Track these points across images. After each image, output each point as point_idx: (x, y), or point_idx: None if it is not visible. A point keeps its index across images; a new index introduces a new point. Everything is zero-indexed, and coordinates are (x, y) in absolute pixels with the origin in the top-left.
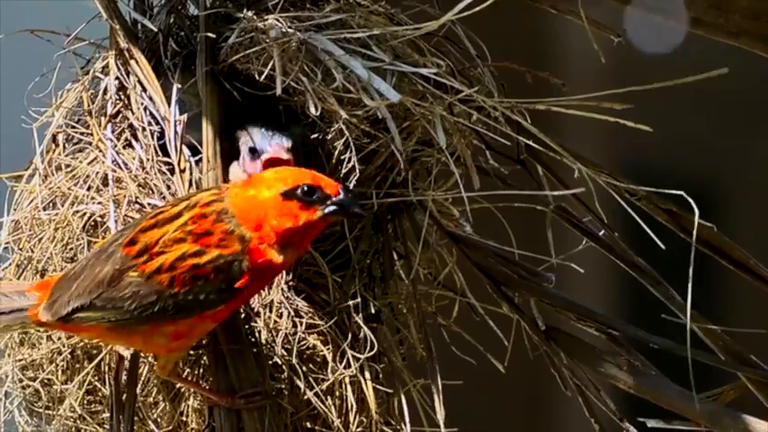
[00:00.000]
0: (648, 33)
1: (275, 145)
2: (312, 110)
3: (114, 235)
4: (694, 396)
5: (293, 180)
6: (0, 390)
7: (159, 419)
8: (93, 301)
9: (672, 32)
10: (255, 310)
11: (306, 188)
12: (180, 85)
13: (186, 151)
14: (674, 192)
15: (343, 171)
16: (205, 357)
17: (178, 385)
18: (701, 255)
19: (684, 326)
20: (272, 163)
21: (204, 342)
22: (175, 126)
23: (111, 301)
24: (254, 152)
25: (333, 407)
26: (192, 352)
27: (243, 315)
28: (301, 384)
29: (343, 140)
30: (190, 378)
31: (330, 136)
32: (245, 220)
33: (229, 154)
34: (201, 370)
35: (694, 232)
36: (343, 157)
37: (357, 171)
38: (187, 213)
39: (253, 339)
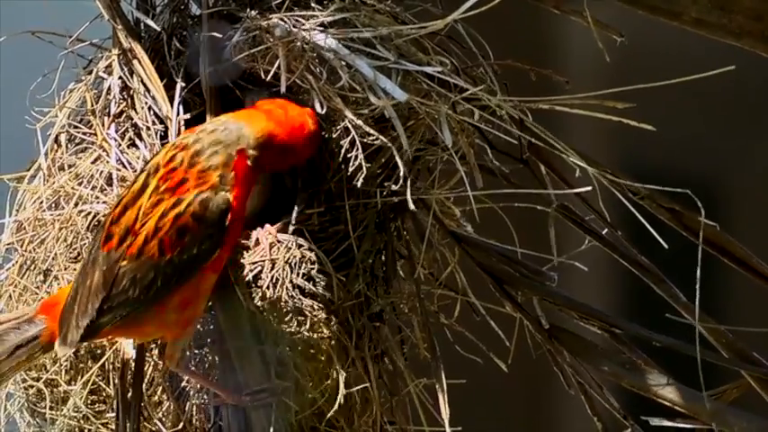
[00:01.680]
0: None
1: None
2: (318, 108)
3: (89, 247)
4: (703, 394)
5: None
6: (1, 391)
7: (164, 418)
8: (100, 309)
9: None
10: (260, 308)
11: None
12: (183, 84)
13: None
14: (678, 190)
15: (350, 170)
16: (210, 356)
17: (183, 384)
18: (704, 253)
19: (686, 324)
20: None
21: (209, 340)
22: (178, 125)
23: (116, 299)
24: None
25: (337, 406)
26: (196, 351)
27: (248, 314)
28: (305, 383)
29: (348, 139)
30: (196, 372)
31: (335, 135)
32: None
33: None
34: (207, 368)
35: (701, 233)
36: (348, 156)
37: (364, 170)
38: (153, 179)
39: (257, 338)
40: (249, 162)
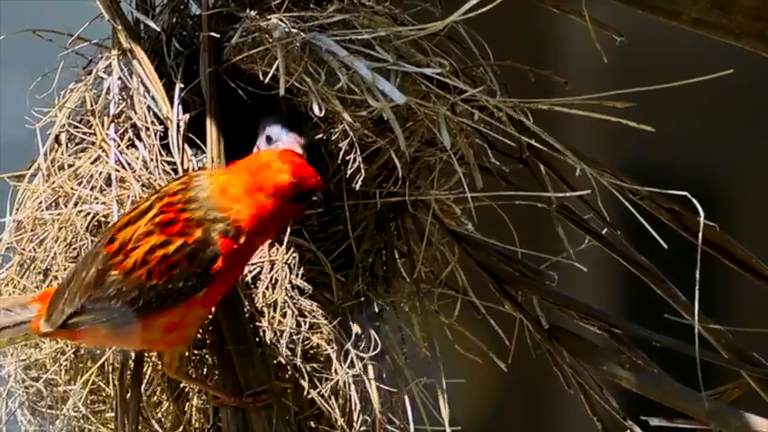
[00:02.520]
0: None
1: (292, 137)
2: (316, 110)
3: (100, 235)
4: (702, 395)
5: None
6: (2, 390)
7: (163, 419)
8: (84, 305)
9: (674, 33)
10: (260, 309)
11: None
12: (183, 85)
13: (189, 150)
14: (677, 192)
15: (349, 171)
16: (209, 357)
17: (182, 385)
18: (703, 253)
19: (685, 324)
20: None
21: (208, 341)
22: (178, 126)
23: (99, 302)
24: (270, 140)
25: (336, 406)
26: (195, 351)
27: (247, 314)
28: (305, 384)
29: (347, 141)
30: (195, 377)
31: (334, 137)
32: (221, 207)
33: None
34: (206, 369)
35: (700, 234)
36: (348, 158)
37: (363, 172)
38: (157, 205)
39: (258, 339)
40: (234, 243)
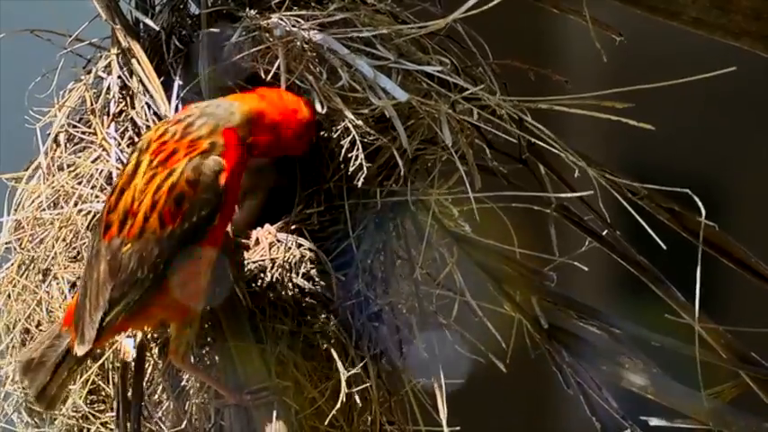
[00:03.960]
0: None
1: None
2: (318, 108)
3: (89, 243)
4: (702, 395)
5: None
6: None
7: (164, 418)
8: (112, 298)
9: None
10: (260, 307)
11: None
12: (182, 83)
13: None
14: (678, 190)
15: (350, 169)
16: (209, 355)
17: (183, 383)
18: (703, 253)
19: (684, 323)
20: None
21: (210, 339)
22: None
23: (125, 284)
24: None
25: (336, 405)
26: (196, 350)
27: (248, 313)
28: (305, 383)
29: (349, 139)
30: (199, 369)
31: (336, 135)
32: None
33: None
34: (207, 367)
35: (701, 233)
36: (349, 156)
37: (365, 170)
38: (145, 155)
39: (258, 337)
40: (239, 137)
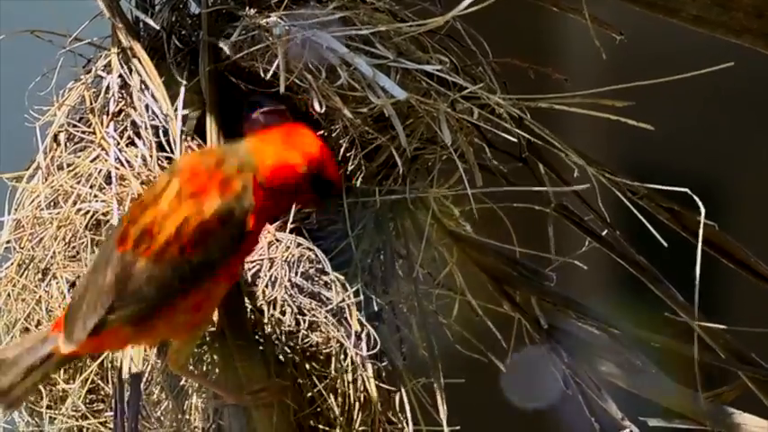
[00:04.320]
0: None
1: (274, 101)
2: (317, 107)
3: (103, 244)
4: (700, 396)
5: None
6: None
7: (162, 417)
8: (112, 305)
9: (675, 30)
10: (259, 306)
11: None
12: (186, 83)
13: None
14: (678, 189)
15: (349, 168)
16: (209, 355)
17: (182, 383)
18: (703, 253)
19: (683, 323)
20: (269, 113)
21: (209, 339)
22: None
23: (131, 297)
24: (252, 105)
25: (336, 405)
26: (195, 350)
27: (248, 313)
28: (304, 382)
29: (348, 138)
30: (197, 374)
31: (335, 134)
32: (253, 151)
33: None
34: (205, 367)
35: (700, 232)
36: (348, 155)
37: (364, 169)
38: (176, 181)
39: (257, 336)
40: (258, 183)
